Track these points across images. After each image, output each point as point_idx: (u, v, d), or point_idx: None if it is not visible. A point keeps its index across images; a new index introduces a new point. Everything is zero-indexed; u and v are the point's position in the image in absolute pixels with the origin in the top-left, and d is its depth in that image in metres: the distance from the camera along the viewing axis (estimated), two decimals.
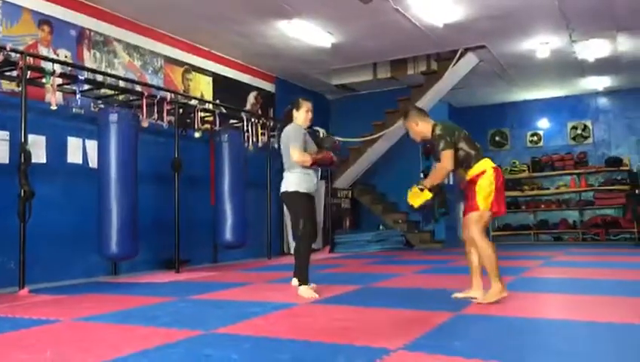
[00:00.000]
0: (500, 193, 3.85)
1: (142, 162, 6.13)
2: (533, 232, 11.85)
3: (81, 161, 6.08)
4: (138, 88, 6.48)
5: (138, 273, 6.44)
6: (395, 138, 9.98)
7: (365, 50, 8.61)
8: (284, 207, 9.20)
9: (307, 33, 7.61)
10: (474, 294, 3.93)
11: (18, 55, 5.13)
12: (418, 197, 3.97)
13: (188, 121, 7.10)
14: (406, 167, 10.86)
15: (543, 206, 12.04)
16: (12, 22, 5.62)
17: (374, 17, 7.18)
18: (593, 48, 8.71)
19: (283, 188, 4.57)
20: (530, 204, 12.19)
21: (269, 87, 9.55)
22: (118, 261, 6.17)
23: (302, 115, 4.62)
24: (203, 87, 8.08)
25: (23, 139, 4.98)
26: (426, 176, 11.04)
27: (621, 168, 11.41)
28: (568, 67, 9.87)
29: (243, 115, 7.88)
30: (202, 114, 7.22)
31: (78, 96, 5.58)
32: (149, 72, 7.18)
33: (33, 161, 5.09)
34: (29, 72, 5.19)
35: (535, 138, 12.64)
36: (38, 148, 5.48)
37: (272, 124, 8.48)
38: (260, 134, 7.96)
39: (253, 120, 7.93)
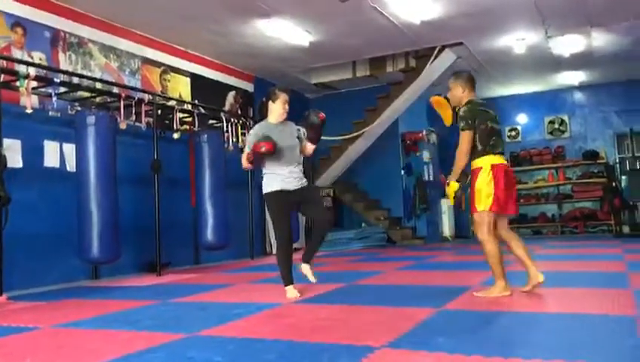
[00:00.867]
0: (502, 191, 3.74)
1: (121, 164, 6.06)
2: (513, 226, 11.96)
3: (58, 165, 6.00)
4: (115, 90, 6.41)
5: (119, 277, 6.37)
6: (375, 136, 10.01)
7: (344, 49, 8.62)
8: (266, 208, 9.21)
9: (285, 32, 7.59)
10: (535, 281, 3.81)
11: None
12: (449, 192, 3.93)
13: (166, 122, 7.04)
14: (386, 164, 10.91)
15: (522, 200, 12.17)
16: None
17: (352, 15, 7.19)
18: (568, 44, 8.83)
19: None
20: None
21: (247, 86, 9.51)
22: (98, 265, 6.09)
23: (277, 108, 4.28)
24: (181, 88, 8.02)
25: None
26: (407, 170, 11.10)
27: (598, 161, 11.60)
28: (544, 62, 10.00)
29: (222, 115, 7.83)
30: (181, 115, 7.16)
31: (54, 99, 5.51)
32: (126, 73, 7.10)
33: (9, 165, 5.00)
34: (2, 75, 5.10)
35: (513, 133, 12.78)
36: (13, 153, 5.39)
37: (251, 123, 8.44)
38: (239, 134, 7.93)
39: (232, 120, 7.89)
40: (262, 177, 4.40)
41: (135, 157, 6.80)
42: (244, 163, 4.29)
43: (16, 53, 5.76)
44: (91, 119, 5.63)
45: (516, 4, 7.16)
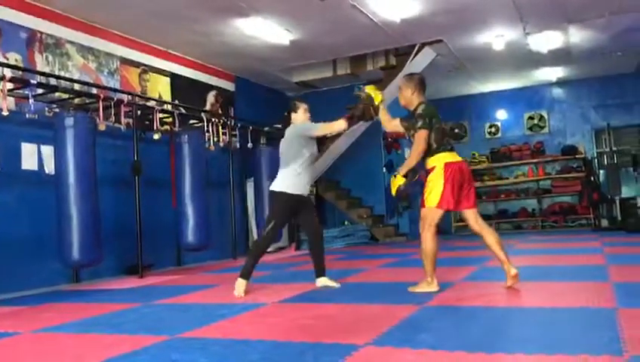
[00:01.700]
0: (452, 189, 3.83)
1: (101, 166, 6.00)
2: (494, 222, 12.08)
3: (36, 168, 5.92)
4: (94, 91, 6.34)
5: (101, 280, 6.31)
6: (357, 133, 10.02)
7: (324, 47, 8.62)
8: (249, 207, 9.19)
9: (265, 31, 7.56)
10: (511, 271, 3.84)
11: None
12: (393, 184, 3.99)
13: (147, 122, 6.98)
14: (369, 162, 10.94)
15: (502, 196, 12.30)
16: None
17: (331, 13, 7.19)
18: (546, 40, 8.93)
19: (272, 186, 4.59)
20: (490, 194, 12.43)
21: (228, 85, 9.47)
22: (79, 268, 6.03)
23: (301, 116, 4.65)
24: (161, 88, 7.95)
25: None
26: (387, 168, 11.13)
27: (576, 156, 11.75)
28: (523, 59, 10.09)
29: (203, 115, 7.79)
30: (161, 115, 7.09)
31: (31, 100, 5.43)
32: (105, 73, 7.02)
33: None
34: None
35: (493, 129, 12.89)
36: None
37: (232, 123, 8.41)
38: (220, 134, 7.89)
39: (213, 120, 7.85)
40: (278, 174, 4.61)
41: (115, 158, 6.74)
42: (341, 126, 4.43)
43: None
44: (70, 121, 5.56)
45: (494, 1, 7.22)
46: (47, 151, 5.88)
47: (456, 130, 12.94)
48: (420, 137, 3.90)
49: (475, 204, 4.01)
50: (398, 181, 3.94)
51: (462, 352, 2.34)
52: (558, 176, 11.99)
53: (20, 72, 5.59)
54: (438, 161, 3.89)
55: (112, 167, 6.65)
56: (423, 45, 8.87)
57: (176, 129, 7.18)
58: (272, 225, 4.44)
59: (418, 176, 3.95)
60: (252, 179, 8.89)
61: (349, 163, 10.94)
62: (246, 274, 4.41)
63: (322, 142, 4.79)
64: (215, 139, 7.73)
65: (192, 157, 7.06)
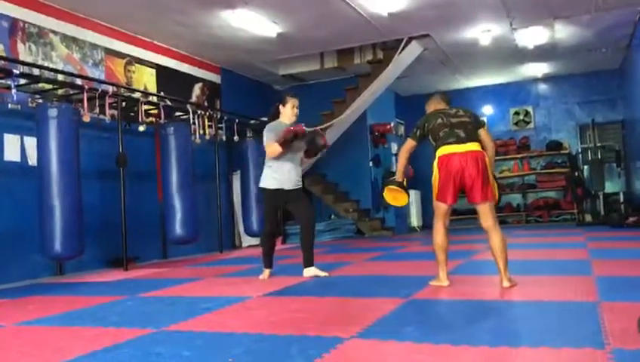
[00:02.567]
0: (447, 182, 3.73)
1: (85, 158, 5.94)
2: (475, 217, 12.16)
3: (19, 159, 5.84)
4: (78, 82, 6.26)
5: (85, 272, 6.26)
6: (343, 128, 10.02)
7: (311, 40, 8.58)
8: (235, 200, 9.16)
9: (252, 23, 7.52)
10: (503, 282, 3.71)
11: None
12: (398, 200, 4.24)
13: (132, 114, 6.92)
14: (355, 156, 10.95)
15: None
16: None
17: (319, 6, 7.17)
18: (532, 36, 8.98)
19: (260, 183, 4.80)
20: None
21: (214, 77, 9.41)
22: (63, 261, 5.97)
23: (287, 112, 4.70)
24: (146, 79, 7.88)
25: None
26: (374, 162, 11.17)
27: (561, 152, 11.86)
28: (509, 54, 10.15)
29: (189, 106, 7.73)
30: (146, 107, 7.04)
31: (13, 91, 5.35)
32: (89, 64, 6.94)
33: None
34: None
35: None
36: None
37: (218, 115, 8.37)
38: (207, 126, 7.84)
39: (199, 112, 7.80)
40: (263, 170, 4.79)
41: (100, 150, 6.67)
42: (276, 149, 4.53)
43: None
44: (53, 112, 5.49)
45: None
46: (31, 142, 5.81)
47: None
48: (404, 142, 4.14)
49: (485, 199, 3.76)
50: (404, 198, 4.20)
51: (447, 345, 2.36)
52: (542, 171, 12.09)
53: (2, 62, 5.51)
54: (436, 156, 3.87)
55: (96, 159, 6.58)
56: (410, 39, 8.87)
57: (161, 121, 7.13)
58: (265, 218, 4.83)
59: (409, 177, 4.07)
60: (238, 172, 8.86)
61: (335, 157, 10.93)
62: (267, 264, 4.86)
63: (315, 154, 4.91)
64: (201, 131, 7.69)
65: (178, 149, 7.02)
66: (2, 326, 3.35)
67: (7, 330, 3.26)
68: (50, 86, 5.98)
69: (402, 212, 11.46)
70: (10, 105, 5.45)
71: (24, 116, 5.79)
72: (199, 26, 7.60)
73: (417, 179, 12.50)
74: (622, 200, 11.07)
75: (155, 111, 7.24)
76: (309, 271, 4.68)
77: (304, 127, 4.54)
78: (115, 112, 6.50)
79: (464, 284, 3.96)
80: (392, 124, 11.29)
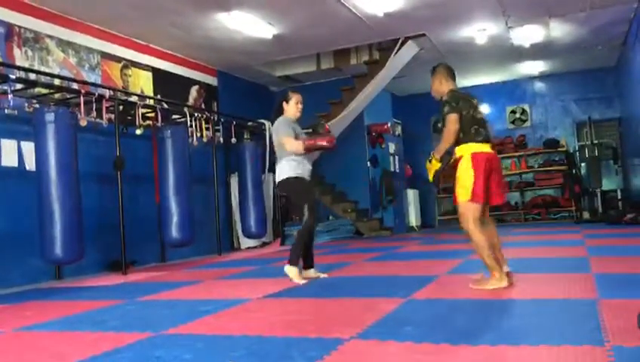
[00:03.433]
0: (481, 182, 3.62)
1: (83, 162, 5.93)
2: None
3: (17, 164, 5.83)
4: (75, 86, 6.26)
5: (84, 276, 6.24)
6: (340, 128, 10.01)
7: (307, 41, 8.59)
8: (233, 202, 9.15)
9: (247, 25, 7.52)
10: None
11: None
12: (430, 170, 3.81)
13: (129, 117, 6.91)
14: (353, 156, 10.93)
15: None
16: None
17: (315, 7, 7.17)
18: (528, 34, 9.00)
19: (279, 178, 4.63)
20: None
21: (211, 80, 9.40)
22: (63, 265, 5.96)
23: (292, 108, 4.70)
24: (143, 83, 7.87)
25: None
26: (372, 162, 11.15)
27: (558, 149, 11.88)
28: (505, 53, 10.16)
29: (185, 109, 7.73)
30: (143, 110, 7.04)
31: (10, 96, 5.34)
32: (86, 68, 6.93)
33: None
34: None
35: None
36: None
37: (215, 117, 8.36)
38: (204, 129, 7.84)
39: (196, 114, 7.79)
40: (280, 166, 4.65)
41: (97, 154, 6.66)
42: (299, 149, 4.51)
43: None
44: (50, 116, 5.48)
45: None
46: (28, 147, 5.80)
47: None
48: (449, 121, 3.72)
49: (504, 199, 3.80)
50: (434, 166, 3.77)
51: (446, 345, 2.36)
52: (540, 169, 12.11)
53: None
54: (465, 151, 3.69)
55: (94, 162, 6.57)
56: (406, 39, 8.88)
57: (158, 124, 7.12)
58: (307, 210, 4.51)
59: (453, 158, 3.75)
60: (236, 174, 8.86)
61: (333, 157, 10.93)
62: (293, 261, 4.51)
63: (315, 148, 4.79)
64: (198, 134, 7.68)
65: (175, 152, 7.00)
66: (1, 332, 3.34)
67: (6, 336, 3.25)
68: (46, 90, 5.97)
69: (401, 212, 11.47)
70: (6, 111, 5.44)
71: (21, 121, 5.78)
72: (195, 28, 7.60)
73: (415, 178, 12.54)
74: (619, 197, 11.10)
75: (152, 115, 7.23)
76: (310, 273, 4.72)
77: (334, 141, 4.55)
78: (112, 116, 6.49)
79: (463, 283, 3.96)
80: (389, 124, 11.29)
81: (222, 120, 8.44)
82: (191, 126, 7.55)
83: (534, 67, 11.48)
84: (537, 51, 10.08)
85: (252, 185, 8.49)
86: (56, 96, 6.10)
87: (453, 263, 5.25)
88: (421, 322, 2.89)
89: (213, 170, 8.30)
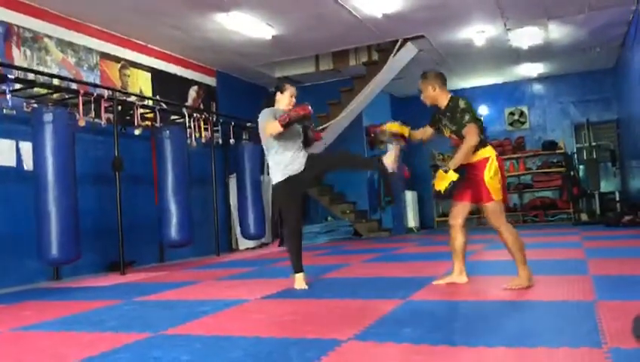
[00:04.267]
0: (503, 182, 3.79)
1: (81, 162, 5.93)
2: (475, 217, 12.17)
3: (14, 164, 5.82)
4: (73, 86, 6.25)
5: (81, 277, 6.24)
6: (339, 129, 10.02)
7: (306, 42, 8.59)
8: (231, 203, 9.14)
9: (246, 25, 7.52)
10: (456, 279, 3.94)
11: None
12: (443, 179, 3.66)
13: (127, 118, 6.90)
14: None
15: None
16: None
17: (314, 8, 7.18)
18: (526, 36, 9.01)
19: (271, 183, 4.50)
20: None
21: (210, 81, 9.40)
22: (60, 265, 5.95)
23: (285, 99, 4.52)
24: (141, 83, 7.87)
25: None
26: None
27: (557, 151, 11.88)
28: (504, 55, 10.17)
29: (184, 110, 7.73)
30: (142, 110, 7.04)
31: (8, 96, 5.34)
32: (85, 68, 6.93)
33: None
34: None
35: None
36: None
37: (214, 118, 8.36)
38: (202, 129, 7.84)
39: (195, 115, 7.79)
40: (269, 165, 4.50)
41: (95, 154, 6.66)
42: (276, 127, 4.19)
43: None
44: (48, 116, 5.47)
45: None
46: (26, 147, 5.80)
47: None
48: (472, 131, 3.67)
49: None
50: (450, 177, 3.62)
51: (444, 346, 2.36)
52: (538, 171, 12.12)
53: None
54: (490, 153, 3.74)
55: (92, 163, 6.57)
56: (405, 41, 8.88)
57: (157, 124, 7.12)
58: (289, 214, 4.35)
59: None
60: (234, 175, 8.85)
61: None
62: (296, 269, 4.32)
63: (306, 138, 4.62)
64: (197, 134, 7.68)
65: (174, 153, 7.00)
66: None
67: (3, 336, 3.24)
68: (45, 90, 5.97)
69: (399, 213, 11.47)
70: (5, 110, 5.43)
71: (19, 121, 5.77)
72: (194, 29, 7.59)
73: (413, 179, 12.55)
74: (617, 199, 11.12)
75: (151, 115, 7.24)
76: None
77: (309, 108, 4.26)
78: (111, 116, 6.49)
79: (463, 284, 3.96)
80: None
81: (221, 121, 8.44)
82: (190, 126, 7.55)
83: (533, 69, 11.49)
84: (536, 53, 10.09)
85: (251, 186, 8.48)
86: (55, 96, 6.10)
87: (451, 265, 5.24)
88: (419, 323, 2.89)
89: (212, 171, 8.30)
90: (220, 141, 8.56)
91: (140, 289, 4.91)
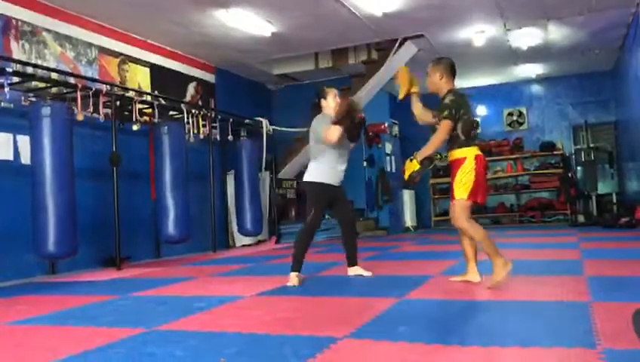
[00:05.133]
0: (480, 182, 3.78)
1: (78, 157, 5.91)
2: (472, 217, 12.18)
3: (12, 158, 5.81)
4: (72, 80, 6.24)
5: (77, 271, 6.23)
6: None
7: (306, 40, 8.58)
8: (229, 200, 9.14)
9: (246, 22, 7.51)
10: (470, 278, 3.96)
11: None
12: (408, 168, 3.81)
13: (126, 113, 6.89)
14: (349, 156, 10.91)
15: None
16: None
17: (314, 6, 7.17)
18: (526, 37, 9.01)
19: (305, 177, 4.57)
20: None
21: (208, 77, 9.38)
22: (56, 260, 5.95)
23: (330, 103, 4.58)
24: (140, 78, 7.86)
25: None
26: (368, 162, 11.13)
27: (554, 152, 11.90)
28: (503, 55, 10.17)
29: (183, 106, 7.72)
30: (140, 106, 7.02)
31: (6, 89, 5.32)
32: (83, 63, 6.91)
33: None
34: None
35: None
36: None
37: (213, 115, 8.35)
38: (201, 126, 7.83)
39: (193, 111, 7.78)
40: (309, 165, 4.59)
41: (93, 149, 6.65)
42: (336, 131, 4.33)
43: None
44: (46, 110, 5.46)
45: None
46: (23, 141, 5.78)
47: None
48: (443, 127, 3.76)
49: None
50: (413, 166, 3.78)
51: (439, 345, 2.36)
52: (536, 171, 12.12)
53: None
54: (468, 153, 3.78)
55: (90, 157, 6.56)
56: (404, 40, 8.88)
57: (155, 120, 7.11)
58: (312, 213, 4.43)
59: (433, 164, 3.84)
60: (232, 171, 8.85)
61: None
62: (295, 267, 4.35)
63: (352, 132, 4.61)
64: (195, 131, 7.67)
65: (172, 149, 6.99)
66: None
67: None
68: (43, 84, 5.96)
69: (396, 212, 11.47)
70: (2, 104, 5.43)
71: (17, 114, 5.76)
72: (193, 25, 7.58)
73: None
74: (614, 201, 11.14)
75: (149, 111, 7.22)
76: (354, 270, 4.64)
77: (348, 98, 4.31)
78: (109, 111, 6.48)
79: (456, 284, 3.97)
80: (386, 124, 11.30)
81: (219, 117, 8.44)
82: (188, 123, 7.54)
83: (532, 70, 11.50)
84: (535, 54, 10.09)
85: (248, 183, 8.48)
86: (53, 90, 6.09)
87: (447, 264, 5.26)
88: (415, 322, 2.89)
89: (210, 167, 8.29)
90: (218, 137, 8.55)
91: (136, 285, 4.91)
